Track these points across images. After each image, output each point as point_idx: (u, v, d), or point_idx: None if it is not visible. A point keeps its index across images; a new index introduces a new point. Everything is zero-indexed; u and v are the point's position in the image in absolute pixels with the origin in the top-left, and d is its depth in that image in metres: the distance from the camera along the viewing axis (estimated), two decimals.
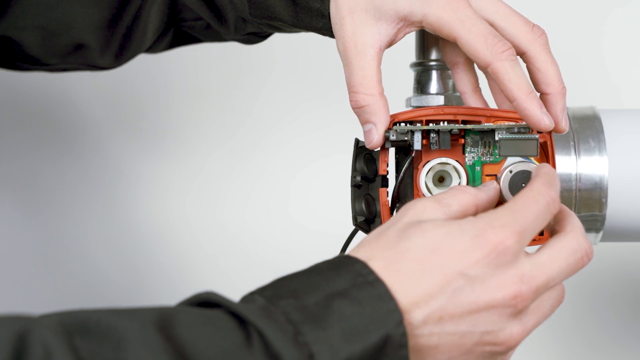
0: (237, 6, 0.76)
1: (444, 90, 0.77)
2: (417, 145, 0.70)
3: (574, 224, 0.64)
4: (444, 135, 0.70)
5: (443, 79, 0.77)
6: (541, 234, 0.69)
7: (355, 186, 0.72)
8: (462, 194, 0.64)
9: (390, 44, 0.71)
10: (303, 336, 0.56)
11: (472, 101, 0.74)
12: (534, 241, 0.69)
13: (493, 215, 0.61)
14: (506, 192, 0.70)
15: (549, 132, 0.70)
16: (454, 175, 0.71)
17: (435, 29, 0.70)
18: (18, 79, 1.12)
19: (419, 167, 0.71)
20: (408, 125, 0.70)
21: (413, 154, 0.71)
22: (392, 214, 0.72)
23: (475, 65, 0.74)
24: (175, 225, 1.17)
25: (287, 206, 1.17)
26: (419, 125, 0.70)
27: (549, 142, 0.71)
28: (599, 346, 1.14)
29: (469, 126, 0.70)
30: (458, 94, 0.76)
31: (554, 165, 0.71)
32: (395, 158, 0.73)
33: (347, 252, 0.62)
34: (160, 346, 0.54)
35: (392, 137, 0.70)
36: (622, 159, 0.76)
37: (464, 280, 0.59)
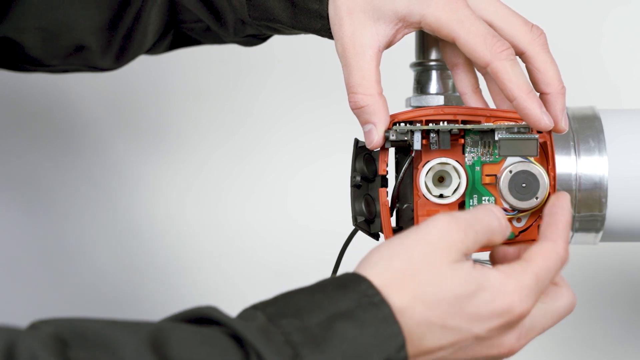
0: (236, 8, 0.76)
1: (443, 90, 0.77)
2: (417, 145, 0.70)
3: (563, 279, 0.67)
4: (444, 135, 0.70)
5: (443, 79, 0.77)
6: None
7: (355, 186, 0.72)
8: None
9: (389, 44, 0.71)
10: (302, 359, 0.56)
11: (472, 102, 0.74)
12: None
13: (520, 283, 0.63)
14: (506, 192, 0.70)
15: (549, 132, 0.70)
16: (454, 175, 0.71)
17: (433, 29, 0.70)
18: (19, 79, 1.12)
19: (419, 167, 0.71)
20: (408, 125, 0.70)
21: (413, 154, 0.72)
22: (392, 214, 0.72)
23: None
24: (175, 225, 1.17)
25: (287, 206, 1.17)
26: (418, 125, 0.70)
27: (548, 142, 0.71)
28: (599, 346, 1.14)
29: (468, 126, 0.70)
30: (458, 94, 0.76)
31: (553, 165, 0.71)
32: (395, 158, 0.73)
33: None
34: None
35: (392, 137, 0.70)
36: (622, 159, 0.76)
37: (473, 340, 0.62)
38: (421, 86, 0.77)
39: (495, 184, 0.71)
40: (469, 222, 0.63)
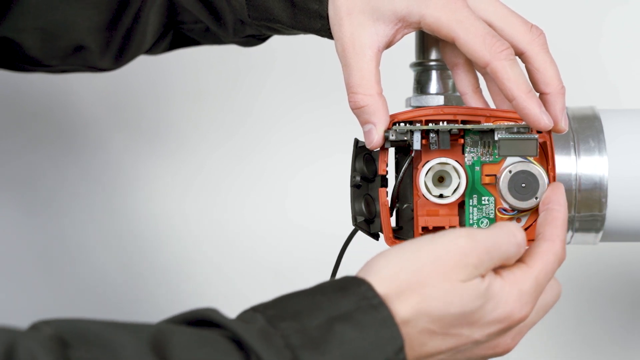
0: (236, 9, 0.76)
1: (443, 90, 0.77)
2: (417, 145, 0.70)
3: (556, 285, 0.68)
4: (444, 135, 0.70)
5: (443, 79, 0.77)
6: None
7: (354, 186, 0.72)
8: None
9: (388, 44, 0.71)
10: None
11: (472, 102, 0.74)
12: None
13: (521, 290, 0.63)
14: (505, 192, 0.70)
15: (549, 132, 0.70)
16: (454, 175, 0.71)
17: (433, 29, 0.70)
18: (19, 79, 1.12)
19: (419, 167, 0.71)
20: (407, 125, 0.70)
21: (412, 154, 0.72)
22: (391, 214, 0.72)
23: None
24: (175, 225, 1.17)
25: (286, 206, 1.17)
26: (418, 125, 0.70)
27: (548, 142, 0.71)
28: (599, 346, 1.14)
29: (468, 126, 0.70)
30: (458, 94, 0.76)
31: (553, 165, 0.71)
32: (395, 158, 0.73)
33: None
34: None
35: (392, 137, 0.70)
36: (622, 159, 0.76)
37: (473, 344, 0.62)
38: (421, 86, 0.77)
39: (495, 184, 0.71)
40: (488, 249, 0.62)
